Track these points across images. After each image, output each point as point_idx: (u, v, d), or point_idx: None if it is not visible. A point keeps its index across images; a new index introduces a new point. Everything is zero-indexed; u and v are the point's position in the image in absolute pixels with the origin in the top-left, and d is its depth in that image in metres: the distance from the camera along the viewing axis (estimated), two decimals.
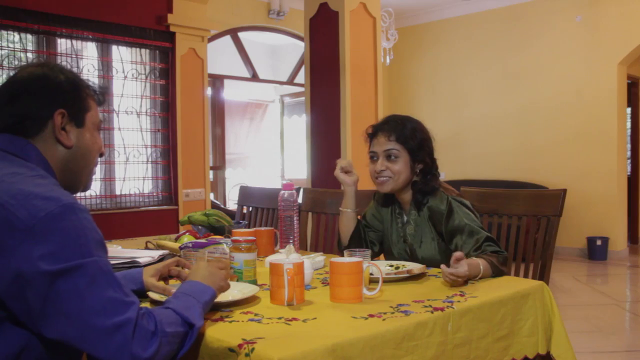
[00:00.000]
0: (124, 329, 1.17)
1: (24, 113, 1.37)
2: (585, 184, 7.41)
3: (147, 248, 2.49)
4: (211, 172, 7.54)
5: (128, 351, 1.16)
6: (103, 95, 1.56)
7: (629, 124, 8.23)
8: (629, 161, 8.23)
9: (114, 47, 5.20)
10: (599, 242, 7.28)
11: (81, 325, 1.16)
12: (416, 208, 2.29)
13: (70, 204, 1.22)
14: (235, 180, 9.64)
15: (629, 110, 8.16)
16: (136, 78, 5.32)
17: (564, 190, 2.47)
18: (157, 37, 5.38)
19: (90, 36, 5.00)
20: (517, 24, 7.99)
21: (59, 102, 1.40)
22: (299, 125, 9.23)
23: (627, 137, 8.08)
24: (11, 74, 1.61)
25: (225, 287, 1.59)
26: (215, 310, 1.58)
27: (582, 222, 7.43)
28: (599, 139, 7.36)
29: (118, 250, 2.29)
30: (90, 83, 1.53)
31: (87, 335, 1.16)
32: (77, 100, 1.45)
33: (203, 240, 2.32)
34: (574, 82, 7.52)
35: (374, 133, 2.32)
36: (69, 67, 4.86)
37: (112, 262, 2.07)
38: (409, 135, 2.23)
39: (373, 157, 2.30)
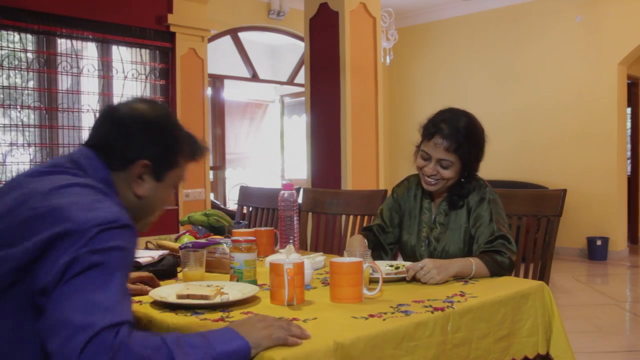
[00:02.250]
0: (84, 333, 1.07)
1: (115, 144, 1.37)
2: (586, 184, 7.41)
3: (147, 248, 2.49)
4: (211, 172, 7.54)
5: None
6: (199, 156, 1.56)
7: (629, 124, 8.23)
8: (629, 161, 8.23)
9: (114, 47, 5.21)
10: (599, 242, 7.28)
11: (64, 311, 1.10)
12: (449, 201, 2.26)
13: (128, 223, 1.22)
14: (235, 180, 9.64)
15: (629, 110, 8.16)
16: (136, 78, 5.32)
17: (564, 190, 2.47)
18: (157, 37, 5.38)
19: (90, 36, 5.00)
20: (517, 24, 7.99)
21: (149, 153, 1.39)
22: (299, 126, 9.23)
23: (627, 137, 8.08)
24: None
25: (282, 339, 1.28)
26: (216, 310, 1.59)
27: (582, 222, 7.43)
28: (599, 139, 7.36)
29: None
30: (195, 141, 1.53)
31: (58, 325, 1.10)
32: (168, 157, 1.43)
33: (203, 241, 2.32)
34: (574, 82, 7.52)
35: (432, 134, 2.19)
36: (68, 67, 4.88)
37: None
38: (467, 149, 2.18)
39: (425, 157, 2.20)
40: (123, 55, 5.27)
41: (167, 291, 1.73)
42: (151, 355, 1.12)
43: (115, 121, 1.39)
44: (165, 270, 2.06)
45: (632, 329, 4.63)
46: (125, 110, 1.42)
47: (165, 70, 5.50)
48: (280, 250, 2.22)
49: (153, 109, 1.45)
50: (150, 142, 1.39)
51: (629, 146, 8.20)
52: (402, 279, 1.95)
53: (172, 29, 5.45)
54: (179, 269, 2.09)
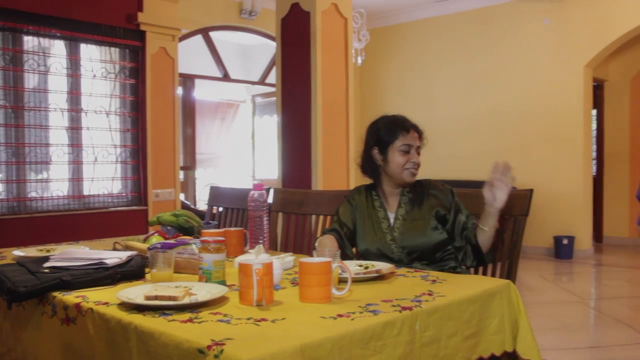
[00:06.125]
0: None
1: None
2: (553, 184, 7.54)
3: (115, 249, 2.47)
4: (181, 172, 7.48)
5: None
6: None
7: (594, 126, 8.38)
8: (594, 162, 8.39)
9: (83, 46, 5.13)
10: (565, 241, 7.42)
11: None
12: (410, 195, 2.49)
13: None
14: (206, 180, 9.59)
15: (594, 112, 8.31)
16: (105, 77, 5.25)
17: (531, 191, 2.51)
18: (127, 36, 5.32)
19: (58, 34, 4.92)
20: (487, 26, 8.09)
21: None
22: (270, 126, 9.21)
23: (593, 138, 8.23)
24: None
25: None
26: (184, 311, 1.58)
27: (549, 221, 7.56)
28: (565, 140, 7.49)
29: (85, 252, 2.26)
30: None
31: None
32: None
33: (172, 241, 2.30)
34: (541, 84, 7.64)
35: (408, 128, 2.47)
36: (35, 65, 4.80)
37: (79, 263, 2.05)
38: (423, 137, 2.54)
39: (407, 150, 2.44)
40: (92, 54, 5.19)
41: (135, 292, 1.72)
42: None
43: None
44: (133, 271, 2.04)
45: (596, 326, 4.72)
46: None
47: (135, 69, 5.44)
48: (250, 251, 2.22)
49: None
50: None
51: (594, 147, 8.36)
52: (371, 279, 1.96)
53: (142, 27, 5.39)
54: (147, 270, 2.07)
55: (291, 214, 3.18)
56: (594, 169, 8.41)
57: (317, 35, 4.88)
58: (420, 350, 1.60)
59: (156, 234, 2.58)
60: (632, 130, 8.37)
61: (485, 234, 2.35)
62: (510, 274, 2.44)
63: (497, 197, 2.30)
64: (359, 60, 7.30)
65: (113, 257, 2.12)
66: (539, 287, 5.95)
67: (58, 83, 5.03)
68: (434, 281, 1.97)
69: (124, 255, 2.15)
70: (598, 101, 8.46)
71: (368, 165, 2.52)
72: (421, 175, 2.50)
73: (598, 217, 8.41)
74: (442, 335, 1.67)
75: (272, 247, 3.05)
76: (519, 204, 2.49)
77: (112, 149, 5.33)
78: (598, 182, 8.51)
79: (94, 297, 1.76)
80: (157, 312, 1.58)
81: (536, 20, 7.66)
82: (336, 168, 4.99)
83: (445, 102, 8.46)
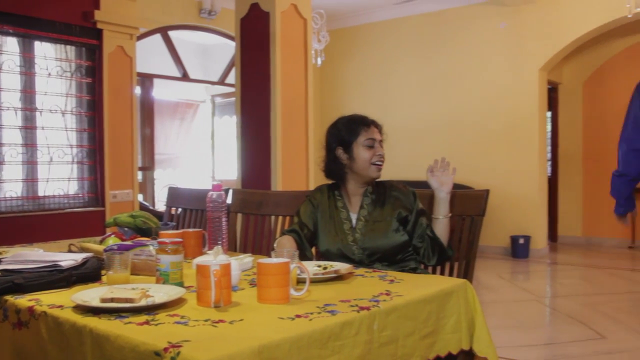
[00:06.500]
0: None
1: None
2: (509, 185, 7.68)
3: (70, 251, 2.43)
4: (140, 173, 7.38)
5: None
6: None
7: (549, 127, 8.58)
8: (549, 163, 8.58)
9: (37, 43, 5.02)
10: (521, 241, 7.56)
11: None
12: (373, 196, 2.51)
13: None
14: (165, 181, 9.48)
15: (549, 114, 8.50)
16: (61, 76, 5.15)
17: (487, 191, 2.56)
18: (83, 34, 5.22)
19: (11, 31, 4.80)
20: (445, 28, 8.20)
21: None
22: (230, 126, 9.16)
23: (548, 140, 8.42)
24: None
25: None
26: (141, 313, 1.56)
27: (505, 221, 7.70)
28: (521, 141, 7.64)
29: (39, 254, 2.21)
30: None
31: None
32: None
33: (129, 243, 2.27)
34: (498, 86, 7.78)
35: (369, 124, 2.51)
36: None
37: (32, 266, 2.00)
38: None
39: (372, 144, 2.47)
40: (47, 52, 5.08)
41: (91, 295, 1.69)
42: None
43: None
44: (88, 273, 2.01)
45: (551, 323, 4.83)
46: None
47: (92, 68, 5.34)
48: (208, 252, 2.20)
49: None
50: None
51: (549, 148, 8.55)
52: (330, 279, 1.97)
53: (99, 25, 5.30)
54: (103, 272, 2.04)
55: (250, 215, 3.17)
56: (549, 170, 8.60)
57: (277, 36, 4.87)
58: (378, 350, 1.61)
59: (113, 236, 2.54)
60: (585, 132, 8.59)
61: (440, 222, 2.41)
62: (467, 273, 2.47)
63: (442, 182, 2.43)
64: (319, 61, 7.32)
65: (68, 259, 2.08)
66: (497, 286, 6.06)
67: (11, 81, 4.91)
68: (391, 281, 1.98)
69: (79, 257, 2.12)
70: (552, 104, 8.65)
71: (333, 167, 2.51)
72: (382, 175, 2.52)
73: (553, 217, 8.60)
74: (400, 334, 1.68)
75: (231, 248, 3.04)
76: (475, 204, 2.53)
77: (68, 149, 5.23)
78: (553, 183, 8.71)
79: (47, 300, 1.72)
80: (113, 314, 1.55)
81: (493, 24, 7.80)
82: (296, 169, 4.99)
83: (403, 103, 8.54)
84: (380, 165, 2.49)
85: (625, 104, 8.59)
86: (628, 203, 3.05)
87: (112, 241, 2.46)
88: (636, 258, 7.61)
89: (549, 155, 8.52)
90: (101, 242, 2.52)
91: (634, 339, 4.18)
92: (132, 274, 2.01)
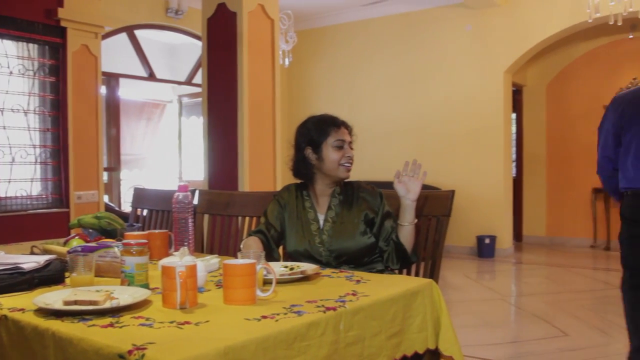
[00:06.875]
0: None
1: None
2: (475, 185, 7.78)
3: (32, 253, 2.38)
4: (106, 174, 7.28)
5: None
6: None
7: (514, 129, 8.71)
8: (514, 164, 8.71)
9: None
10: (487, 241, 7.67)
11: None
12: (341, 197, 2.50)
13: None
14: (131, 182, 9.36)
15: (514, 115, 8.64)
16: (23, 74, 5.05)
17: (453, 192, 2.58)
18: (46, 32, 5.13)
19: None
20: (412, 30, 8.27)
21: None
22: (197, 126, 9.09)
23: (513, 141, 8.55)
24: None
25: None
26: (105, 315, 1.54)
27: (472, 221, 7.80)
28: (487, 142, 7.75)
29: (0, 256, 2.17)
30: None
31: None
32: None
33: (93, 244, 2.24)
34: (464, 88, 7.88)
35: (338, 124, 2.50)
36: None
37: None
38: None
39: (341, 145, 2.46)
40: (8, 50, 4.98)
41: (53, 298, 1.66)
42: None
43: None
44: (51, 275, 1.97)
45: (516, 322, 4.90)
46: None
47: (56, 66, 5.25)
48: (174, 253, 2.19)
49: None
50: None
51: (514, 150, 8.69)
52: (296, 280, 1.97)
53: (62, 23, 5.21)
54: (66, 275, 2.01)
55: (217, 216, 3.15)
56: (514, 170, 8.74)
57: (244, 36, 4.86)
58: (345, 350, 1.61)
59: (77, 237, 2.50)
60: (549, 134, 8.74)
61: (405, 229, 2.38)
62: (433, 273, 2.49)
63: (409, 189, 2.37)
64: (287, 62, 7.32)
65: (30, 261, 2.04)
66: (463, 285, 6.13)
67: None
68: (358, 281, 1.99)
69: (41, 259, 2.08)
70: (517, 105, 8.79)
71: (302, 167, 2.50)
72: (351, 175, 2.52)
73: (518, 217, 8.74)
74: (366, 334, 1.69)
75: (198, 250, 3.02)
76: (441, 205, 2.55)
77: (31, 149, 5.13)
78: (518, 184, 8.84)
79: (8, 304, 1.69)
80: (77, 317, 1.53)
81: (459, 27, 7.89)
82: (263, 169, 4.98)
83: (371, 104, 8.59)
84: (349, 166, 2.48)
85: (587, 105, 8.80)
86: (616, 195, 3.16)
87: (76, 243, 2.42)
88: (598, 257, 7.78)
89: (514, 156, 8.65)
90: (65, 243, 2.48)
91: (595, 336, 4.27)
92: (96, 276, 1.98)
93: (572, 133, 8.45)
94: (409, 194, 2.37)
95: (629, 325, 2.90)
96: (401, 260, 2.42)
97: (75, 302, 1.58)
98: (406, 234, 2.39)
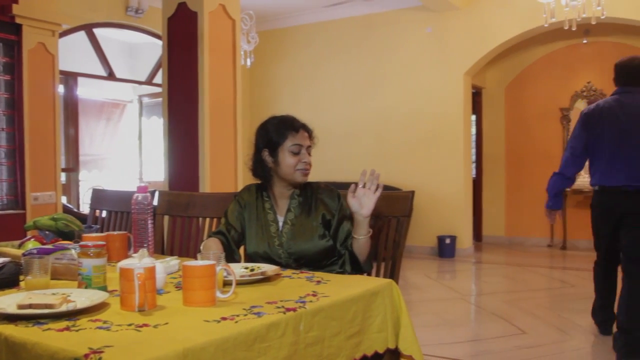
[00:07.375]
0: None
1: None
2: (435, 186, 7.87)
3: None
4: (64, 175, 7.15)
5: None
6: None
7: (474, 130, 8.84)
8: (474, 165, 8.84)
9: None
10: (447, 241, 7.76)
11: None
12: (300, 199, 2.48)
13: None
14: (90, 182, 9.21)
15: (473, 117, 8.77)
16: None
17: (412, 192, 2.61)
18: (0, 29, 5.00)
19: None
20: (373, 32, 8.32)
21: None
22: (158, 127, 8.99)
23: (472, 142, 8.68)
24: None
25: None
26: (61, 319, 1.51)
27: (432, 222, 7.89)
28: (447, 143, 7.85)
29: None
30: None
31: None
32: None
33: (49, 246, 2.20)
34: (424, 89, 7.97)
35: (297, 128, 2.44)
36: None
37: None
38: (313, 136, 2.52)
39: (298, 150, 2.41)
40: None
41: (7, 301, 1.62)
42: None
43: None
44: (4, 279, 1.93)
45: (476, 321, 4.98)
46: None
47: (11, 64, 5.13)
48: (134, 255, 2.16)
49: None
50: None
51: (474, 151, 8.82)
52: (257, 281, 1.97)
53: (17, 20, 5.09)
54: (21, 278, 1.97)
55: (177, 217, 3.12)
56: (474, 171, 8.87)
57: (205, 36, 4.82)
58: (305, 351, 1.62)
59: (33, 239, 2.45)
60: (507, 135, 8.90)
61: (358, 242, 2.34)
62: (393, 273, 2.51)
63: (363, 205, 2.29)
64: (249, 62, 7.29)
65: None
66: (424, 285, 6.19)
67: None
68: (318, 282, 2.00)
69: None
70: (477, 107, 8.93)
71: (259, 168, 2.47)
72: (311, 176, 2.49)
73: (478, 217, 8.87)
74: (326, 335, 1.70)
75: (158, 251, 2.98)
76: (401, 205, 2.57)
77: None
78: (477, 184, 8.98)
79: None
80: (31, 321, 1.50)
81: (420, 29, 7.98)
82: (224, 170, 4.95)
83: (332, 105, 8.62)
84: (306, 171, 2.43)
85: (544, 107, 9.01)
86: (556, 200, 3.85)
87: (31, 245, 2.37)
88: (554, 256, 7.95)
89: (473, 157, 8.78)
90: (20, 246, 2.42)
91: (552, 333, 4.36)
92: (53, 279, 1.95)
93: (529, 134, 8.61)
94: (362, 209, 2.29)
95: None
96: (354, 269, 2.39)
97: (30, 306, 1.55)
98: (360, 246, 2.35)
